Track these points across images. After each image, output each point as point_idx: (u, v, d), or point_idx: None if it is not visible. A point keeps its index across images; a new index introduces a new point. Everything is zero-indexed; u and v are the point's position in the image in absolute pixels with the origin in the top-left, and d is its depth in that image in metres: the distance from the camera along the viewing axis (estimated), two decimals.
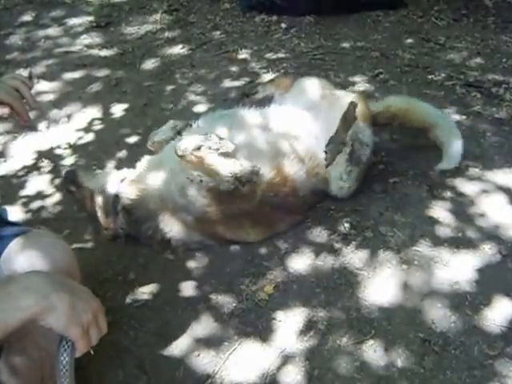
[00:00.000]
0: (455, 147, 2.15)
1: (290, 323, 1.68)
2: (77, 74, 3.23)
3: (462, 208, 2.05)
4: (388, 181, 2.20)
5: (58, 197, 2.29)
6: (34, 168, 2.48)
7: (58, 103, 2.94)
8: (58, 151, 2.58)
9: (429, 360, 1.54)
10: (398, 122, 2.26)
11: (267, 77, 2.99)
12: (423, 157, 2.29)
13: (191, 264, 1.93)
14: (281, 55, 3.26)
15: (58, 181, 2.38)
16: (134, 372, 1.59)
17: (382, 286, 1.78)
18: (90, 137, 2.67)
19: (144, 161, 2.08)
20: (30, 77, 1.51)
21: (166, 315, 1.75)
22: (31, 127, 2.72)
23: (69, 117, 2.83)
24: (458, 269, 1.81)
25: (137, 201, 1.95)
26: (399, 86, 2.85)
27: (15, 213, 2.16)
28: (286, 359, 1.58)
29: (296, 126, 2.06)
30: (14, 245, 1.25)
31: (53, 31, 3.79)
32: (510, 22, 3.53)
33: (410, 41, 3.36)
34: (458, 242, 1.90)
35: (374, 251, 1.90)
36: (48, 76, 3.20)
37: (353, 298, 1.75)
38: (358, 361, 1.56)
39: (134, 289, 1.85)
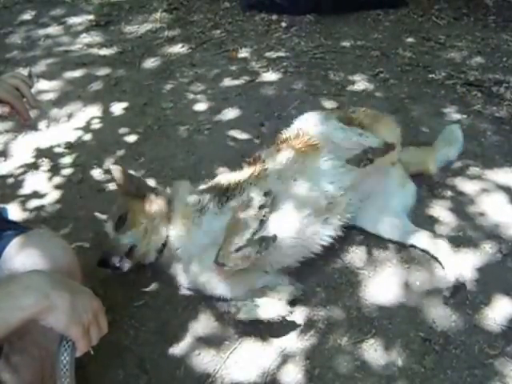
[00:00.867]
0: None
1: (290, 322, 1.67)
2: (77, 73, 3.23)
3: (462, 207, 2.04)
4: None
5: (57, 195, 2.29)
6: (34, 167, 2.48)
7: (57, 102, 2.94)
8: (58, 150, 2.58)
9: (429, 359, 1.54)
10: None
11: (267, 76, 2.99)
12: None
13: None
14: (281, 54, 3.25)
15: (57, 179, 2.38)
16: (134, 371, 1.59)
17: (382, 286, 1.78)
18: (89, 136, 2.67)
19: None
20: (30, 75, 1.51)
21: (166, 314, 1.75)
22: (31, 126, 2.72)
23: (69, 116, 2.83)
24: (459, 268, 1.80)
25: None
26: (399, 85, 2.85)
27: (15, 211, 2.16)
28: (287, 358, 1.59)
29: None
30: (15, 244, 1.25)
31: (53, 30, 3.79)
32: (510, 20, 3.52)
33: (410, 40, 3.35)
34: (459, 241, 1.89)
35: (375, 250, 1.90)
36: (48, 75, 3.20)
37: (353, 297, 1.75)
38: (359, 360, 1.56)
39: (135, 288, 1.85)
